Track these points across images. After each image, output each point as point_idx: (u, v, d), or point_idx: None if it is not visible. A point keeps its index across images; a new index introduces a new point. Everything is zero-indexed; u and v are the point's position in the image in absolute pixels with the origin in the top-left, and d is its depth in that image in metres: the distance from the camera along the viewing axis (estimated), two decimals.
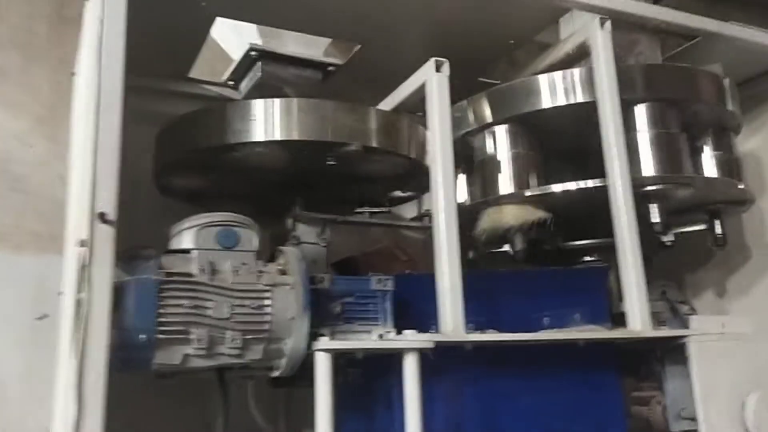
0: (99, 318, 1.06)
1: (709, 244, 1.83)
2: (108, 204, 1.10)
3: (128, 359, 1.16)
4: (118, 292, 1.13)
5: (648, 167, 1.60)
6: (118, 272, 1.15)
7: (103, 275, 1.07)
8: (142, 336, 1.14)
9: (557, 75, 1.64)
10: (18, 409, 1.67)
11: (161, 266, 1.21)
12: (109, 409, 1.62)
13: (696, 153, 1.76)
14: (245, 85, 1.92)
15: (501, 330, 1.45)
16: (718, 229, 1.76)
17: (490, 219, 1.65)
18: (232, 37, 1.86)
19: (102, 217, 1.08)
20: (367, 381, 1.44)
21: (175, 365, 1.19)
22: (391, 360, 1.36)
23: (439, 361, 1.33)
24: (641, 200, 1.56)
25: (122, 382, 1.65)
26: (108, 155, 1.12)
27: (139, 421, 1.75)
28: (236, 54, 1.86)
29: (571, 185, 1.60)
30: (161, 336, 1.17)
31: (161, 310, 1.17)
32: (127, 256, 1.19)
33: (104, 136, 1.13)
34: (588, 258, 1.87)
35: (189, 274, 1.22)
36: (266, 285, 1.27)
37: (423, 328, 1.36)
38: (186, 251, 1.27)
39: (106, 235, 1.09)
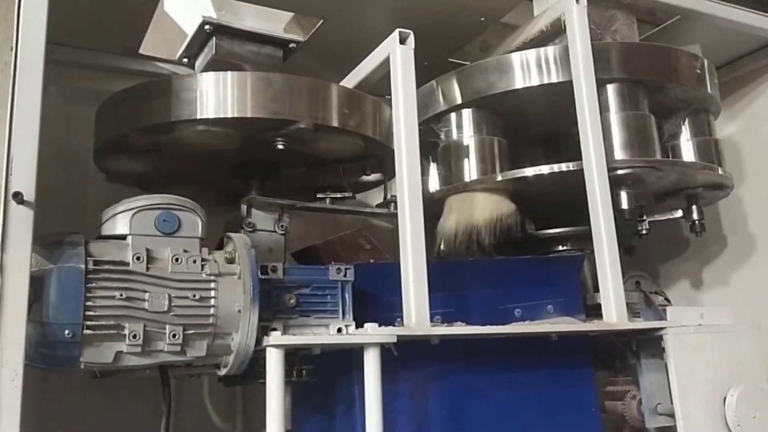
0: (13, 310, 0.95)
1: (686, 232, 1.76)
2: (25, 182, 0.98)
3: (52, 357, 1.05)
4: (39, 283, 1.02)
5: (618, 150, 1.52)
6: (40, 260, 1.03)
7: (19, 262, 0.96)
8: (67, 331, 1.03)
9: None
10: None
11: (90, 253, 1.08)
12: (48, 409, 1.49)
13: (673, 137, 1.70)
14: (200, 62, 1.81)
15: (470, 322, 1.38)
16: (695, 215, 1.69)
17: (461, 211, 1.56)
18: (185, 9, 1.74)
19: (17, 197, 0.96)
20: (326, 378, 1.36)
21: (107, 363, 1.08)
22: (351, 356, 1.28)
23: (403, 357, 1.25)
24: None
25: (68, 379, 1.56)
26: (25, 127, 1.00)
27: (87, 420, 1.65)
28: (189, 28, 1.74)
29: (544, 168, 1.52)
30: (89, 331, 1.05)
31: (89, 303, 1.06)
32: (51, 242, 1.07)
33: (21, 105, 1.01)
34: (562, 247, 1.79)
35: (122, 263, 1.10)
36: (210, 274, 1.16)
37: (387, 321, 1.29)
38: (120, 237, 1.15)
39: (23, 218, 0.97)
